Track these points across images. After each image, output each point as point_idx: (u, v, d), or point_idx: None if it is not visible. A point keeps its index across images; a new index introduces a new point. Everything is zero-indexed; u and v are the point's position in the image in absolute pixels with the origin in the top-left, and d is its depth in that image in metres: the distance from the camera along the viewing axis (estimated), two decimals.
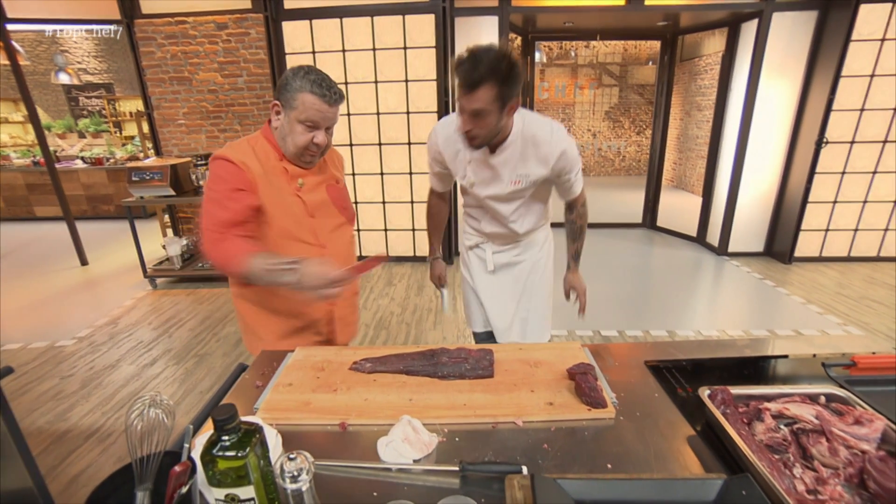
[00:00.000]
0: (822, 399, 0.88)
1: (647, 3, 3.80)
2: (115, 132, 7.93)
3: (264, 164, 1.16)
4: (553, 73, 8.89)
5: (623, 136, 9.23)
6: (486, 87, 1.11)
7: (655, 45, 5.44)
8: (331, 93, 1.12)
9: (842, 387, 0.92)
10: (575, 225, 1.55)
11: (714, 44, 6.74)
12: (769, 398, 0.90)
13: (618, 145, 9.30)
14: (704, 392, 0.90)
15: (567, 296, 1.62)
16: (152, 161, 3.87)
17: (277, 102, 1.15)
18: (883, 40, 3.59)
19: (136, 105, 7.42)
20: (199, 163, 3.71)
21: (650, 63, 8.63)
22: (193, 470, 0.60)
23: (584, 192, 1.50)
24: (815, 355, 1.13)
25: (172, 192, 3.64)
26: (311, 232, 1.22)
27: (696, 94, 7.42)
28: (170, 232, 4.56)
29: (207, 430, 0.81)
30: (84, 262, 4.50)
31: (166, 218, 4.69)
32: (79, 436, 2.13)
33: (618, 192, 7.74)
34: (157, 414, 0.61)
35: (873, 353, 1.06)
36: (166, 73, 3.99)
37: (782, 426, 0.85)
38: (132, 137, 7.70)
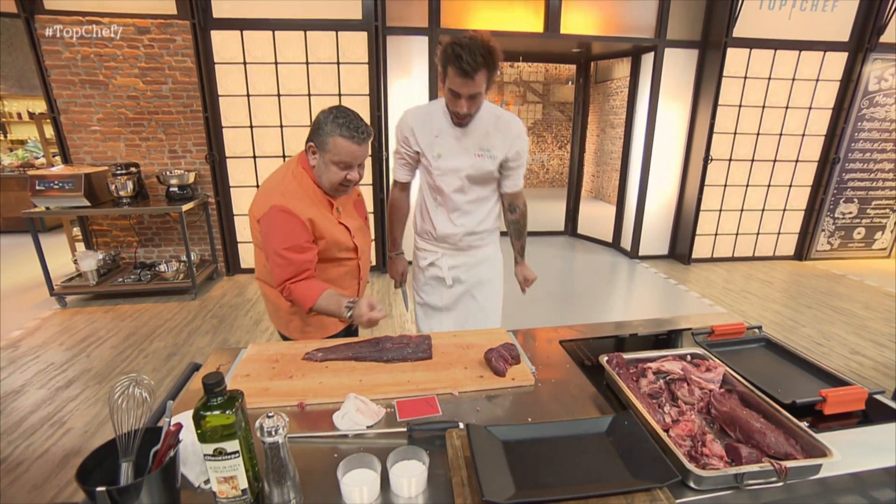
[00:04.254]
0: (688, 357, 1.13)
1: (562, 31, 4.22)
2: None
3: (312, 198, 1.28)
4: None
5: (546, 150, 9.91)
6: (481, 73, 1.31)
7: (574, 67, 6.01)
8: (359, 133, 1.21)
9: (703, 348, 1.18)
10: (518, 224, 1.77)
11: (623, 69, 7.52)
12: (652, 360, 1.14)
13: (542, 159, 9.97)
14: (603, 358, 1.12)
15: (522, 287, 1.83)
16: (61, 169, 3.59)
17: (312, 144, 1.25)
18: (745, 77, 4.35)
19: (30, 106, 6.70)
20: (118, 172, 3.51)
21: (569, 83, 9.39)
22: (178, 440, 0.68)
23: (523, 193, 1.71)
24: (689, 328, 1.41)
25: (87, 203, 3.41)
26: (352, 250, 1.39)
27: (609, 113, 8.20)
28: (80, 246, 4.22)
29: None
30: None
31: (75, 231, 4.33)
32: None
33: (542, 203, 8.29)
34: (140, 392, 0.69)
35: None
36: (76, 75, 3.72)
37: (660, 379, 1.08)
38: (23, 142, 6.92)
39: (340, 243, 1.34)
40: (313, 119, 1.27)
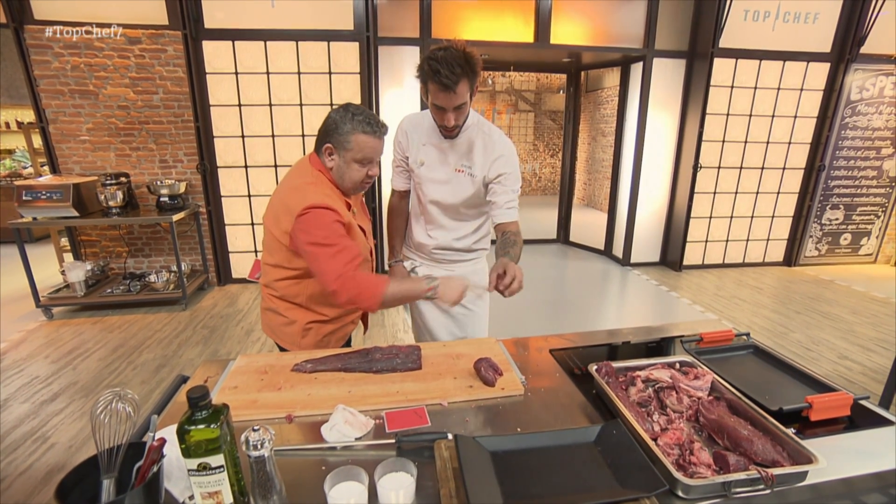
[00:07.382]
0: (677, 365, 1.14)
1: (552, 41, 4.28)
2: None
3: (335, 200, 1.25)
4: None
5: (538, 158, 9.98)
6: (463, 84, 1.28)
7: (564, 76, 6.09)
8: (379, 128, 1.22)
9: (692, 355, 1.19)
10: (507, 237, 1.47)
11: (613, 78, 7.61)
12: (641, 368, 1.14)
13: (533, 167, 10.03)
14: (592, 367, 1.12)
15: (496, 285, 1.28)
16: (49, 179, 3.56)
17: (329, 145, 1.23)
18: (732, 87, 4.44)
19: (18, 115, 6.65)
20: (107, 182, 3.49)
21: (561, 92, 9.48)
22: (162, 456, 0.67)
23: (518, 225, 1.51)
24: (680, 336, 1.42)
25: (75, 213, 3.37)
26: (368, 251, 1.38)
27: (600, 122, 8.29)
28: (68, 256, 4.16)
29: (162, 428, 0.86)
30: None
31: (63, 241, 4.27)
32: None
33: (535, 211, 8.32)
34: (123, 407, 0.68)
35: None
36: (66, 84, 3.71)
37: (649, 388, 1.08)
38: (11, 151, 6.85)
39: (361, 243, 1.33)
40: (325, 120, 1.24)
